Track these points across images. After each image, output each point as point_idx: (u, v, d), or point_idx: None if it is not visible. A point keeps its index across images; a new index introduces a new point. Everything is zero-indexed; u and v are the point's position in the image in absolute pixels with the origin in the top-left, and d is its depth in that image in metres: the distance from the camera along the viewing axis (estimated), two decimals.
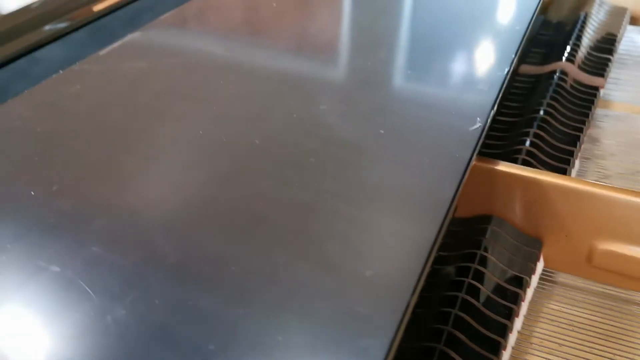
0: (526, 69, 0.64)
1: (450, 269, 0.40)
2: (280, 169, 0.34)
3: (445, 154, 0.35)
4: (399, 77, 0.45)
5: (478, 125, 0.37)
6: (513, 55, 0.46)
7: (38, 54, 0.48)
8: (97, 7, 0.55)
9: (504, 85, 0.42)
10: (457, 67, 0.46)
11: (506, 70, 0.44)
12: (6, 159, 0.35)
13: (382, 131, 0.37)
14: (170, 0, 0.59)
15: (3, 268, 0.28)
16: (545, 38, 0.70)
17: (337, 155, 0.35)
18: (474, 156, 0.35)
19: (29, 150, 0.35)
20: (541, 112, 0.54)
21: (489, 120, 0.38)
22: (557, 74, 0.60)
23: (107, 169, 0.34)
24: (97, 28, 0.53)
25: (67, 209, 0.31)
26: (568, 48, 0.64)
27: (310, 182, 0.33)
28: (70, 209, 0.31)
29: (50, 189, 0.32)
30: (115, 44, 0.47)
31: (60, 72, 0.43)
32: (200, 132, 0.37)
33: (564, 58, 0.63)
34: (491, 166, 0.42)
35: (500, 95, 0.41)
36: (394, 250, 0.29)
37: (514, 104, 0.58)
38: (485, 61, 0.47)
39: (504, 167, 0.42)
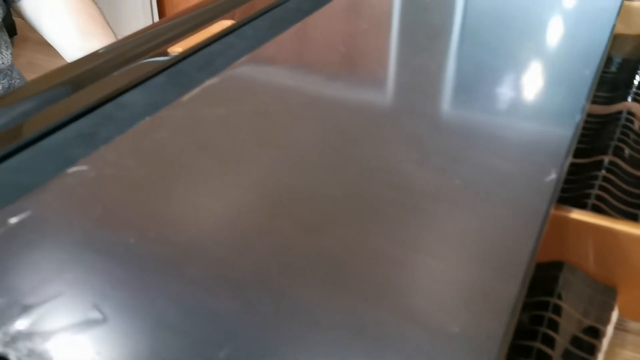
0: (591, 108, 0.64)
1: (524, 317, 0.40)
2: (359, 218, 0.36)
3: (521, 205, 0.36)
4: (471, 127, 0.46)
5: (553, 176, 0.38)
6: (584, 102, 0.46)
7: (122, 99, 0.51)
8: (174, 52, 0.58)
9: (577, 134, 0.43)
10: (529, 115, 0.47)
11: (578, 118, 0.44)
12: (102, 207, 0.37)
13: (457, 182, 0.38)
14: (241, 44, 0.61)
15: (107, 314, 0.29)
16: (609, 77, 0.70)
17: (415, 204, 0.36)
18: (551, 208, 0.36)
19: (124, 197, 0.38)
20: (609, 155, 0.53)
21: (563, 170, 0.39)
22: (624, 115, 0.59)
23: (198, 216, 0.36)
24: (174, 73, 0.56)
25: (162, 255, 0.33)
26: (634, 87, 0.64)
27: (392, 233, 0.34)
28: (166, 254, 0.33)
29: (146, 235, 0.34)
30: (195, 90, 0.50)
31: (147, 118, 0.46)
32: (280, 180, 0.39)
33: (629, 97, 0.62)
34: (563, 214, 0.42)
35: (574, 144, 0.42)
36: (480, 303, 0.30)
37: (581, 146, 0.58)
38: (556, 109, 0.47)
39: (576, 214, 0.42)
